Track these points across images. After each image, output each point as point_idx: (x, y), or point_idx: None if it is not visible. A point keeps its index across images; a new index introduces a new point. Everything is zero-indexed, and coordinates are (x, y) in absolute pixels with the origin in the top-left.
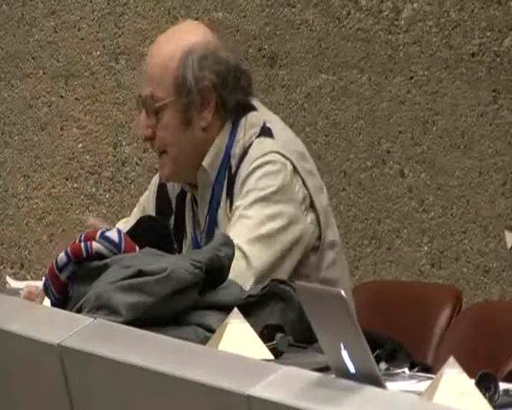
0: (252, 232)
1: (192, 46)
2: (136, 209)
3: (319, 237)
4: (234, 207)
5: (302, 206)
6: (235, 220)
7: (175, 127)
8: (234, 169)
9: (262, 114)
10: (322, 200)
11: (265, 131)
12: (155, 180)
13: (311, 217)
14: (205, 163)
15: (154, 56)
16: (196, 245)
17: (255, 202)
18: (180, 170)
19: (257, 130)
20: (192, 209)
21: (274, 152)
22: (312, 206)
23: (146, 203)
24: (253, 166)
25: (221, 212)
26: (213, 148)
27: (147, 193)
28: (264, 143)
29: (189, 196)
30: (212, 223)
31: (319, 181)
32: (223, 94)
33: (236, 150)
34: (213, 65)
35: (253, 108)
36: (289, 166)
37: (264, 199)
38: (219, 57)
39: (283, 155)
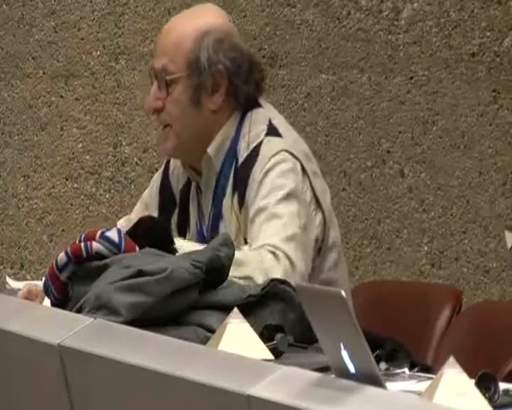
0: (286, 231)
1: (209, 27)
2: (138, 206)
3: (323, 239)
4: (256, 208)
5: (311, 206)
6: (266, 220)
7: (184, 103)
8: (240, 165)
9: (268, 112)
10: (326, 201)
11: (272, 130)
12: (157, 176)
13: (318, 218)
14: (210, 150)
15: (170, 31)
16: (201, 237)
17: (280, 200)
18: (183, 147)
19: (264, 127)
20: (197, 198)
21: (284, 151)
22: (319, 206)
23: (148, 199)
24: (268, 165)
25: (226, 205)
26: (219, 136)
27: (148, 189)
28: (274, 142)
29: (193, 186)
30: (217, 215)
31: (323, 182)
32: (235, 82)
33: (242, 145)
34: (228, 50)
35: (259, 105)
36: (299, 166)
37: (285, 198)
38: (235, 43)
39: (293, 155)
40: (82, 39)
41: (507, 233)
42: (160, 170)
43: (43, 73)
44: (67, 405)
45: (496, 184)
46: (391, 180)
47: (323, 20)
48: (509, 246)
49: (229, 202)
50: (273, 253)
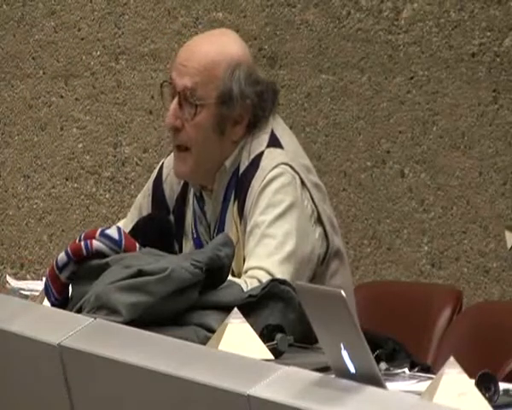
0: (278, 253)
1: (239, 59)
2: (132, 209)
3: (327, 249)
4: (253, 223)
5: (311, 219)
6: (260, 240)
7: (208, 130)
8: (241, 174)
9: (272, 120)
10: (326, 210)
11: (274, 141)
12: (150, 183)
13: (318, 231)
14: (227, 163)
15: (198, 52)
16: (198, 245)
17: (275, 219)
18: (200, 172)
19: (266, 137)
20: (198, 207)
21: (284, 164)
22: (319, 219)
23: (142, 203)
24: (268, 178)
25: (229, 214)
26: (236, 151)
27: (142, 193)
28: (274, 154)
29: (191, 195)
30: (222, 225)
31: (323, 191)
32: (258, 114)
33: (244, 153)
34: (255, 84)
35: None
36: (298, 181)
37: (282, 215)
38: (259, 77)
39: (293, 168)
40: (82, 39)
41: (507, 233)
42: (153, 176)
43: (43, 73)
44: (67, 405)
45: (496, 184)
46: (391, 180)
47: (323, 20)
48: (509, 246)
49: (230, 210)
50: (260, 281)
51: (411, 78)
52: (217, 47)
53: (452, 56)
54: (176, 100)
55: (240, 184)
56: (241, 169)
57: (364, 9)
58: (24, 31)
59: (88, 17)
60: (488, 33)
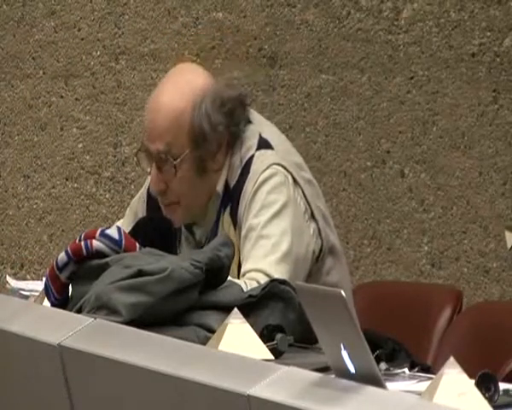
0: (274, 253)
1: (203, 92)
2: (128, 210)
3: (321, 245)
4: (248, 226)
5: (305, 216)
6: (256, 242)
7: (191, 179)
8: (233, 187)
9: (257, 127)
10: (320, 207)
11: (263, 143)
12: (144, 190)
13: (312, 227)
14: (219, 187)
15: (162, 110)
16: None
17: (270, 219)
18: (192, 214)
19: (254, 142)
20: (181, 229)
21: (276, 164)
22: (313, 215)
23: (138, 205)
24: (260, 180)
25: (220, 224)
26: (224, 171)
27: (138, 197)
28: (265, 156)
29: None
30: (214, 234)
31: (316, 188)
32: (233, 131)
33: (236, 163)
34: (221, 107)
35: (249, 121)
36: (290, 179)
37: (276, 215)
38: (224, 97)
39: (284, 168)
40: (82, 39)
41: (507, 233)
42: (146, 184)
43: (43, 73)
44: (67, 405)
45: (496, 184)
46: (391, 180)
47: (323, 20)
48: (509, 246)
49: (221, 221)
50: (258, 283)
51: (411, 78)
52: (179, 91)
53: (452, 56)
54: (154, 165)
55: (232, 191)
56: (232, 182)
57: (364, 9)
58: (24, 31)
59: (88, 17)
60: (488, 33)
